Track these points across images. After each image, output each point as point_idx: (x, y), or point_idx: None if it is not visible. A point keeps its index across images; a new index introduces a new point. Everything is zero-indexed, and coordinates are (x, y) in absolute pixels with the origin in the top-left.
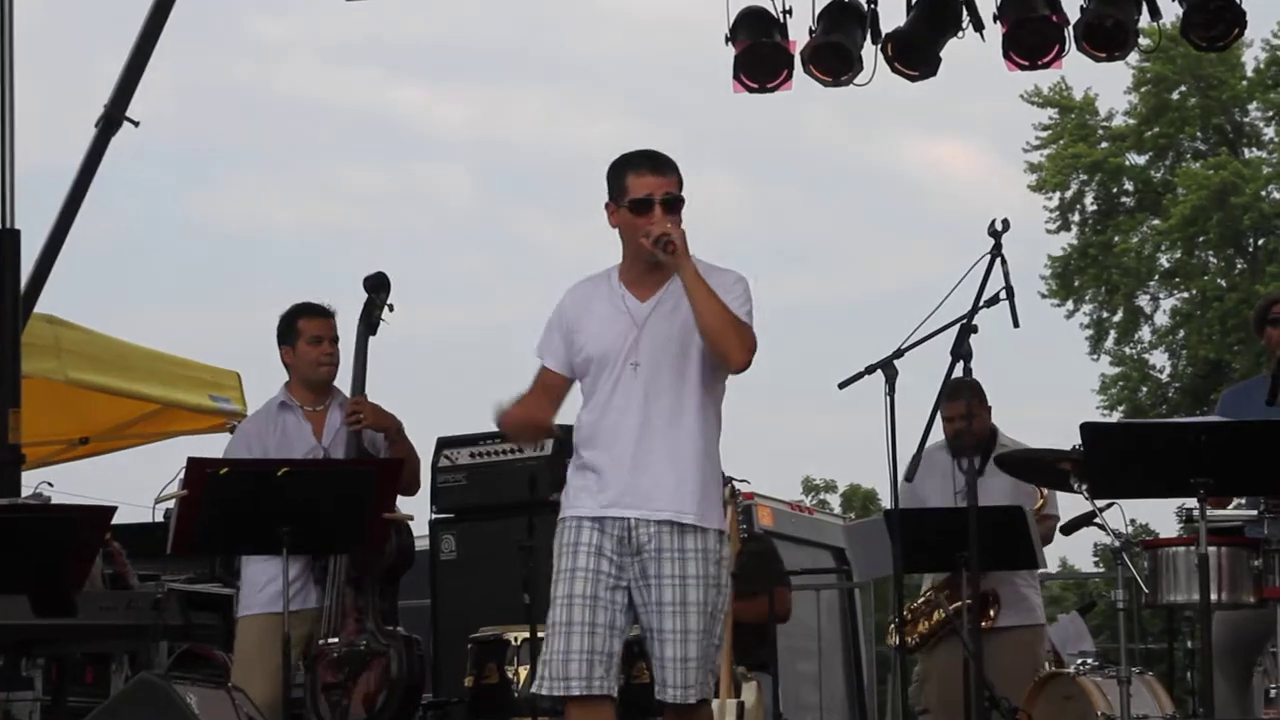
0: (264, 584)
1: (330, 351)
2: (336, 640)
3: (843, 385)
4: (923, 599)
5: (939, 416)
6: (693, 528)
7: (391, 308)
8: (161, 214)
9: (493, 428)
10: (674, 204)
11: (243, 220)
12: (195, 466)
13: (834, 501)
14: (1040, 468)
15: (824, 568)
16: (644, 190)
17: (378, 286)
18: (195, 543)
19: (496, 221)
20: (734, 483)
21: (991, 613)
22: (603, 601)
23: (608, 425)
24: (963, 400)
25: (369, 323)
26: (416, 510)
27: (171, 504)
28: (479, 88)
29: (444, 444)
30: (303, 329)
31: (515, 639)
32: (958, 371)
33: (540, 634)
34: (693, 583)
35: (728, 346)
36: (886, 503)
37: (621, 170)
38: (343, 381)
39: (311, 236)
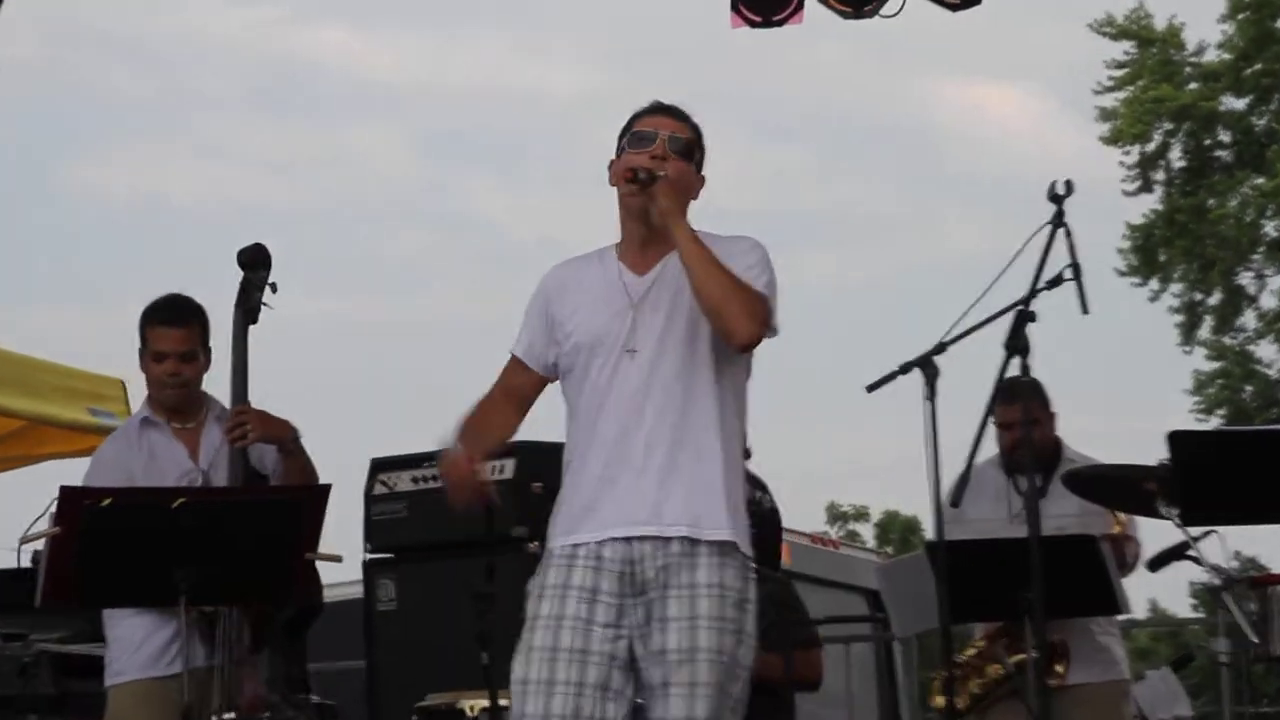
0: (140, 642)
1: (176, 371)
2: (233, 715)
3: (872, 388)
4: (974, 650)
5: (990, 425)
6: (708, 547)
7: (274, 288)
8: (27, 184)
9: (439, 445)
10: (682, 147)
11: (129, 194)
12: (70, 498)
13: (866, 533)
14: (1118, 488)
15: (854, 615)
16: (649, 126)
17: (255, 262)
18: (71, 593)
19: (438, 193)
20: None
21: (1060, 668)
22: (595, 658)
23: (604, 426)
24: (1020, 403)
25: (247, 309)
26: (347, 549)
27: (41, 544)
28: (415, 30)
29: (379, 466)
30: (149, 340)
31: (471, 708)
32: (1013, 369)
33: (501, 701)
34: (704, 624)
35: (728, 314)
36: (931, 533)
37: (631, 118)
38: (220, 385)
39: (214, 213)
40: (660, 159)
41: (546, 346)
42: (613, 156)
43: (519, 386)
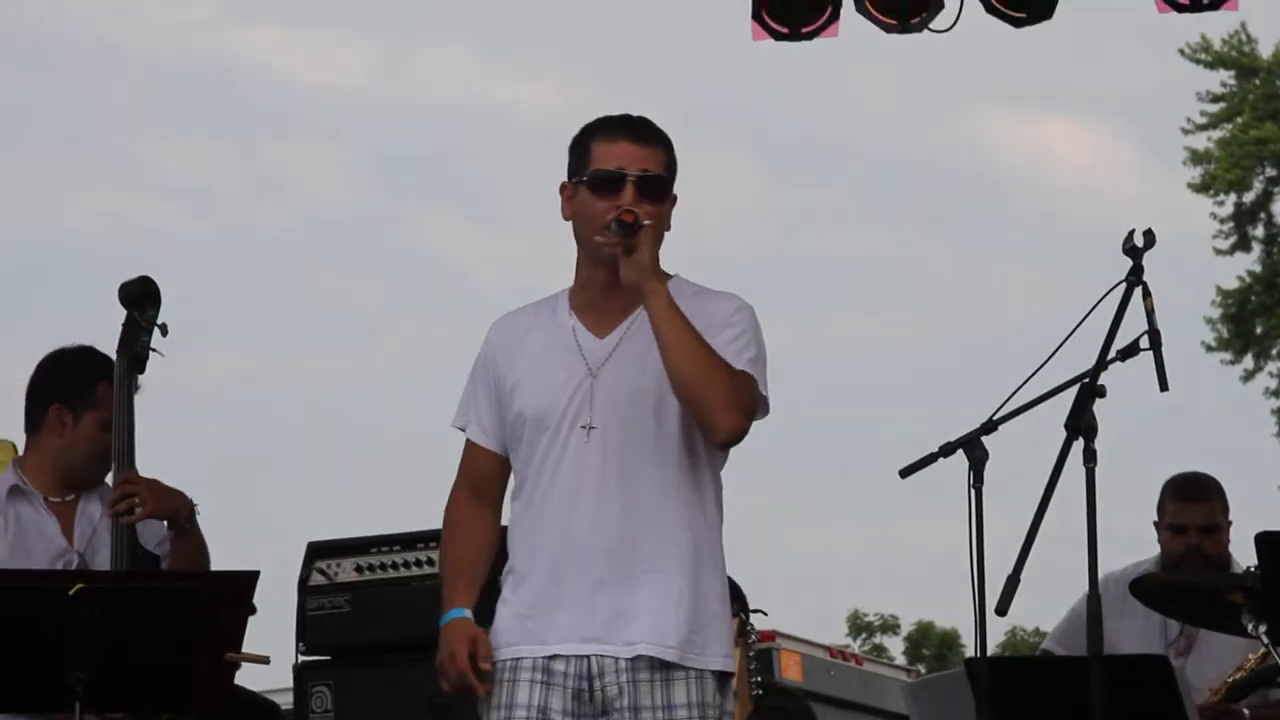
0: None
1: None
2: None
3: (906, 473)
4: None
5: (1163, 525)
6: (682, 669)
7: (165, 330)
8: None
9: (385, 529)
10: (654, 188)
11: (16, 220)
12: None
13: (895, 647)
14: (1197, 600)
15: None
16: (614, 161)
17: (140, 298)
18: None
19: (392, 228)
20: (745, 614)
21: None
22: None
23: (551, 517)
24: (1207, 504)
25: (132, 354)
26: (277, 649)
27: None
28: (363, 34)
29: (317, 552)
30: (104, 400)
31: None
32: (1075, 454)
33: None
34: None
35: (709, 406)
36: (972, 648)
37: (587, 136)
38: None
39: (121, 246)
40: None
41: (500, 417)
42: (564, 180)
43: (487, 479)
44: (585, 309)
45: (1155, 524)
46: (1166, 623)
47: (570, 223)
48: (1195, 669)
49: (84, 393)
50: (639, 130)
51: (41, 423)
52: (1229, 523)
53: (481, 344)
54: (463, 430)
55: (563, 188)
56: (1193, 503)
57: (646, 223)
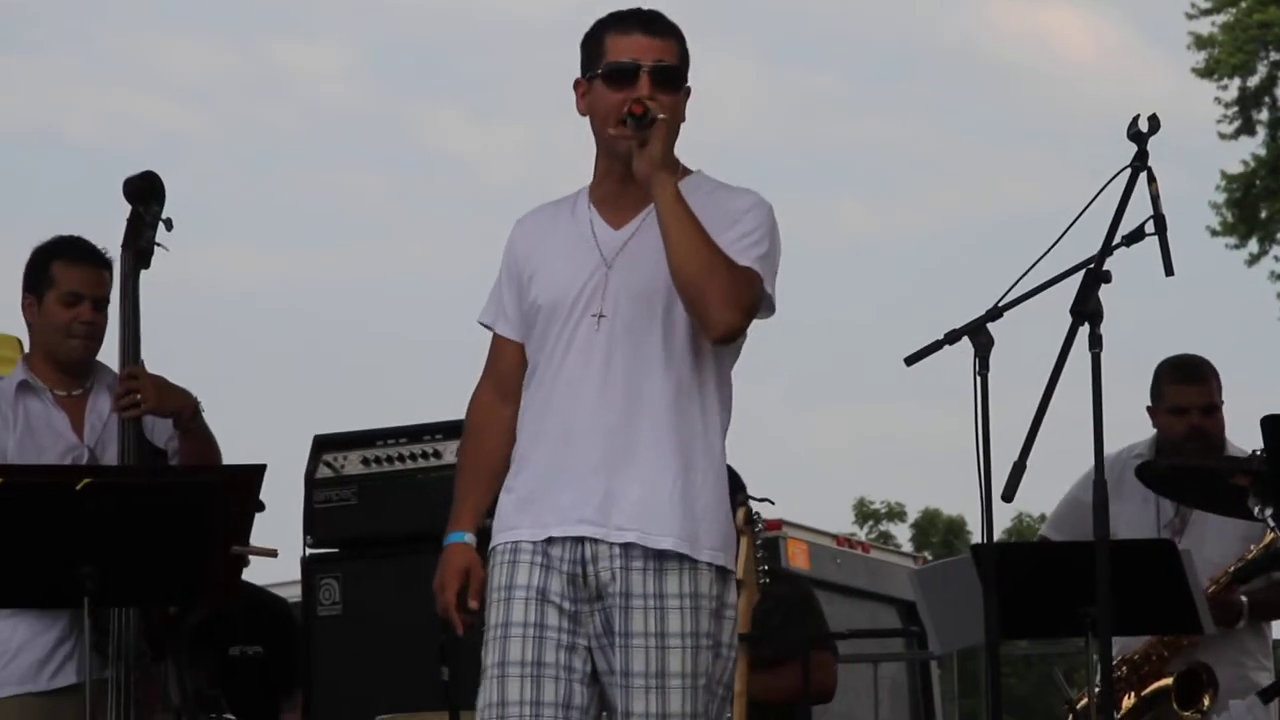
0: (15, 650)
1: (91, 319)
2: None
3: (911, 361)
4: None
5: (1159, 410)
6: (677, 559)
7: (169, 225)
8: None
9: (393, 422)
10: (669, 79)
11: (18, 116)
12: None
13: (901, 534)
14: (1202, 484)
15: (885, 629)
16: (627, 53)
17: (146, 194)
18: None
19: (391, 122)
20: (752, 503)
21: (1206, 700)
22: (550, 670)
23: (556, 403)
24: (1205, 385)
25: (137, 249)
26: (284, 542)
27: None
28: None
29: (323, 445)
30: (59, 277)
31: None
32: (1081, 339)
33: None
34: (675, 645)
35: (705, 299)
36: (978, 535)
37: (600, 30)
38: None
39: (122, 141)
40: (649, 100)
41: (521, 311)
42: (578, 79)
43: (513, 372)
44: (603, 202)
45: (1149, 409)
46: (1160, 504)
47: (587, 119)
48: (1190, 550)
49: (41, 276)
50: (652, 22)
51: (26, 319)
52: (1223, 403)
53: (508, 239)
54: (487, 326)
55: (577, 84)
56: (1192, 383)
57: (661, 116)
